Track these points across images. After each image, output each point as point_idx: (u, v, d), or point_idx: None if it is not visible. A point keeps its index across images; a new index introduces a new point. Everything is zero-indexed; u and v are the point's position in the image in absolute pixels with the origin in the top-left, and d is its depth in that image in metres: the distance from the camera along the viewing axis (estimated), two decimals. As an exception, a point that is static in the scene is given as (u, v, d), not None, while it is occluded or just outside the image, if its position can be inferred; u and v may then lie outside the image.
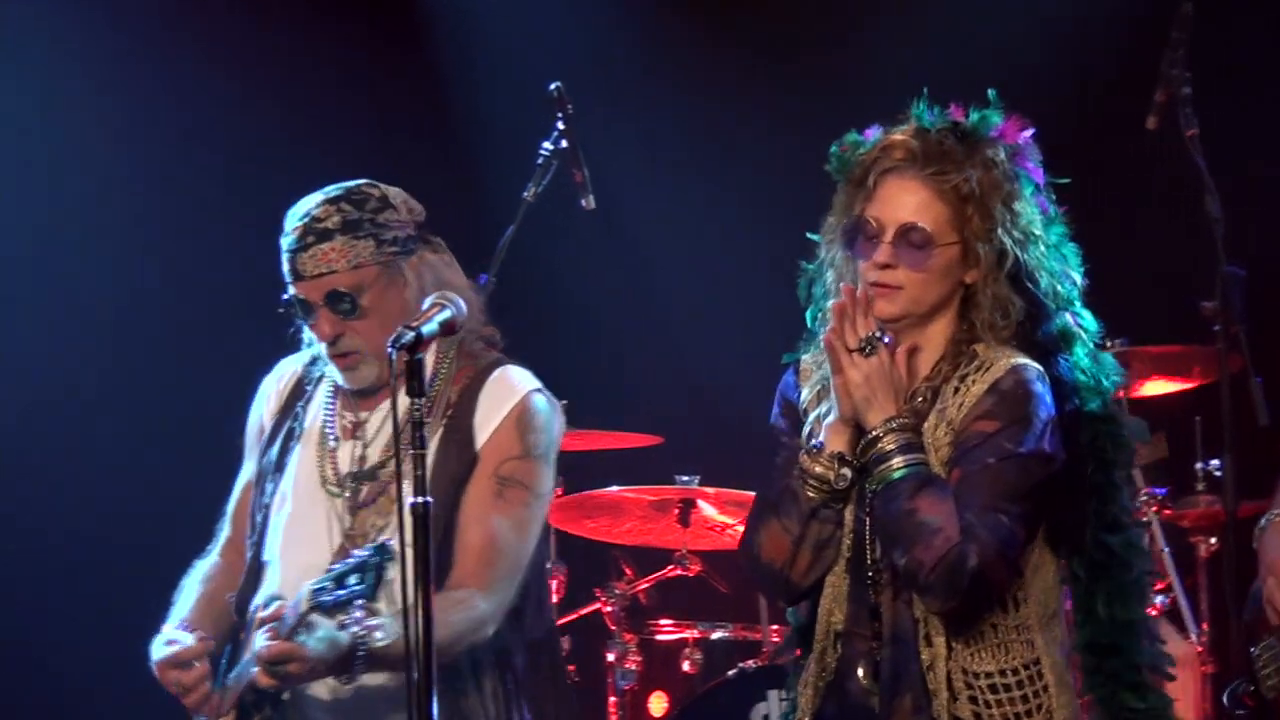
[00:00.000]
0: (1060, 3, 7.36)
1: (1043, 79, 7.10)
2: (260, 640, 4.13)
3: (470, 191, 7.25)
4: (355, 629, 4.04)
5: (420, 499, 3.75)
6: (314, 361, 4.60)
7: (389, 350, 3.87)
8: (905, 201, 4.01)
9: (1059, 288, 4.06)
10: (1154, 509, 6.37)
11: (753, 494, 4.27)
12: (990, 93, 4.06)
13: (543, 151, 5.24)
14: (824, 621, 4.06)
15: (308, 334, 4.54)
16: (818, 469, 4.00)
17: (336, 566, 4.07)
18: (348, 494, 4.45)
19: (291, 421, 4.60)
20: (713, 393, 7.46)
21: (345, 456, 4.49)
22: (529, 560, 4.41)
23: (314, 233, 4.41)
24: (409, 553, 3.75)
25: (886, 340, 3.98)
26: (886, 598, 4.00)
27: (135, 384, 7.25)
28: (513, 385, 4.44)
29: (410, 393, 3.80)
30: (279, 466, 4.56)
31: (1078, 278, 4.11)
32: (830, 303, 4.03)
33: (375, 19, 7.55)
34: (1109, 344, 6.09)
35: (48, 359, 7.21)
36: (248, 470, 4.69)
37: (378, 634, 4.05)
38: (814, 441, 4.04)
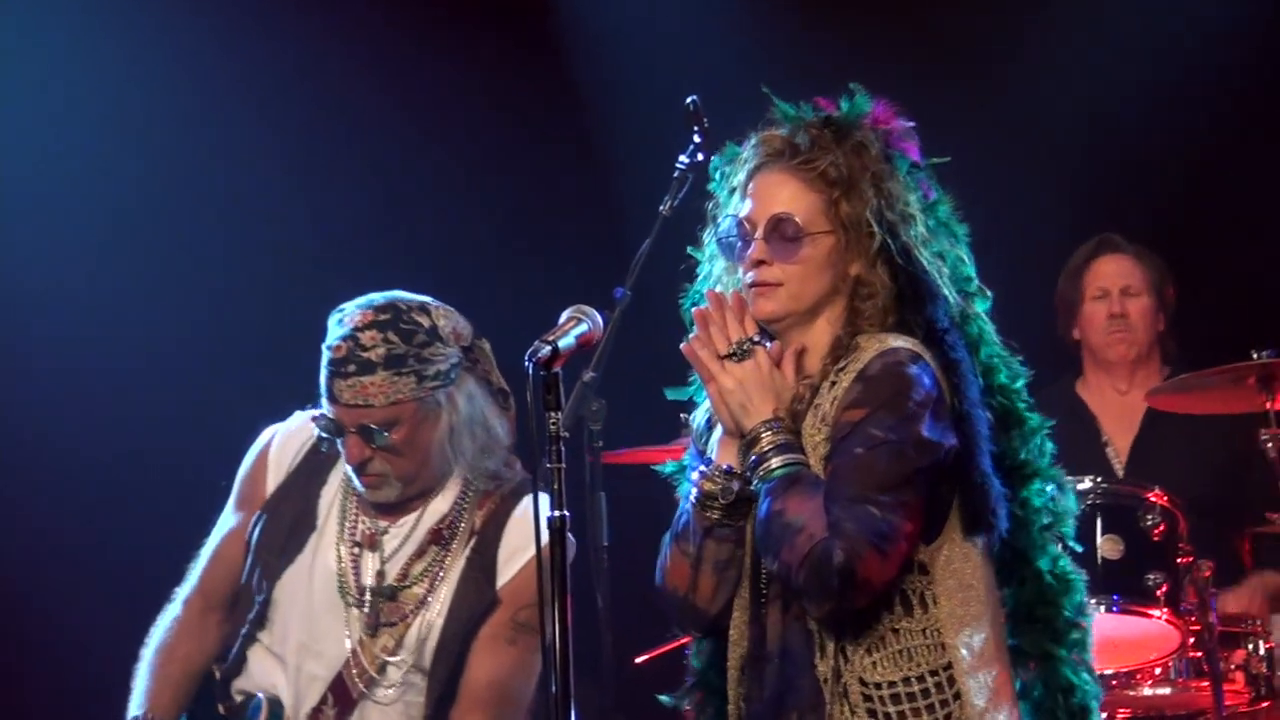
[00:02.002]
0: (1214, 3, 7.26)
1: (1196, 80, 7.02)
2: None
3: (607, 205, 7.25)
4: None
5: (559, 512, 3.71)
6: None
7: (526, 364, 3.82)
8: (775, 195, 3.89)
9: (949, 267, 3.88)
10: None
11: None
12: (852, 85, 3.95)
13: (679, 165, 5.23)
14: (735, 646, 3.87)
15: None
16: (708, 486, 3.84)
17: None
18: (366, 609, 4.45)
19: (303, 504, 4.55)
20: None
21: (365, 567, 4.47)
22: (530, 700, 4.43)
23: (356, 361, 4.37)
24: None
25: (766, 345, 3.85)
26: (774, 611, 3.81)
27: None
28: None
29: (547, 406, 3.76)
30: (286, 550, 4.51)
31: (968, 257, 3.92)
32: (694, 310, 3.92)
33: (513, 31, 7.58)
34: (1255, 355, 5.99)
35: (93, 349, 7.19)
36: (231, 519, 4.62)
37: None
38: (705, 460, 3.90)
